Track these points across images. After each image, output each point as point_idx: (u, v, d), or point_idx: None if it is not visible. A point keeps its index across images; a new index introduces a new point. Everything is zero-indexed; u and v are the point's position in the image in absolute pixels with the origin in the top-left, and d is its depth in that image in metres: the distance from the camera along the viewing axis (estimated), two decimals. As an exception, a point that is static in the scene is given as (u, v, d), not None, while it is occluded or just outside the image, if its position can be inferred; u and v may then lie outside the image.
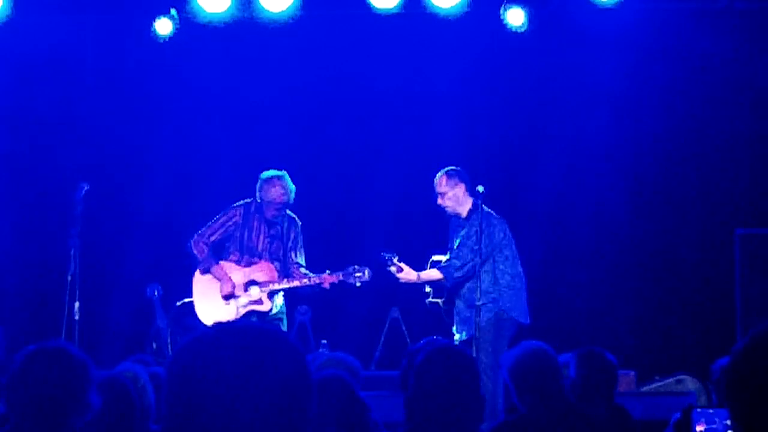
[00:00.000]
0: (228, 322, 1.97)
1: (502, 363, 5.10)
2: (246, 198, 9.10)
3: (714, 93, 10.73)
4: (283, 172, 8.97)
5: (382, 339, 10.23)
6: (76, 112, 10.93)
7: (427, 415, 3.81)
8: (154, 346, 9.55)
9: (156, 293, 9.78)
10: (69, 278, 8.67)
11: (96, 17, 10.79)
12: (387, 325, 10.25)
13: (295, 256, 9.00)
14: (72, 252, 8.73)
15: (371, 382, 7.51)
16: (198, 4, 10.25)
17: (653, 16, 10.70)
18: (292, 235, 9.01)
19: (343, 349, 7.61)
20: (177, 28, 10.35)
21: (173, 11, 10.38)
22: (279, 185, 8.89)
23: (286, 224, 9.00)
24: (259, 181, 8.97)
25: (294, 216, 9.07)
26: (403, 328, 10.18)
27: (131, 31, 10.73)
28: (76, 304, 8.63)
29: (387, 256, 8.79)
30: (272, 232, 8.96)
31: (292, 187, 8.92)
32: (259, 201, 8.97)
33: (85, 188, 8.87)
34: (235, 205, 9.05)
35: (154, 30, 10.31)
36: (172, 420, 1.89)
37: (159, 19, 10.32)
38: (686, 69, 10.75)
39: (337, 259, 9.12)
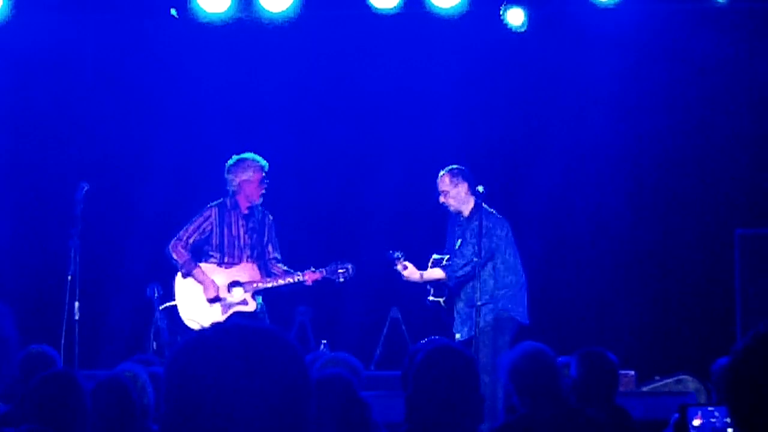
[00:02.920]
0: (226, 322, 1.96)
1: (500, 364, 5.11)
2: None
3: (714, 93, 10.72)
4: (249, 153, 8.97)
5: (382, 339, 10.23)
6: (76, 112, 10.93)
7: (427, 414, 3.81)
8: (154, 346, 9.55)
9: (156, 293, 9.76)
10: (69, 278, 8.66)
11: (96, 17, 10.79)
12: (387, 325, 10.25)
13: (273, 250, 8.97)
14: (72, 252, 8.72)
15: (371, 382, 7.50)
16: (198, 4, 10.25)
17: (653, 16, 10.70)
18: (266, 229, 8.98)
19: (343, 349, 7.61)
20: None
21: (173, 11, 10.38)
22: (250, 160, 8.88)
23: (260, 217, 8.98)
24: (229, 168, 8.90)
25: (266, 211, 9.04)
26: (403, 328, 10.17)
27: (131, 31, 10.73)
28: (76, 304, 8.63)
29: (395, 254, 8.80)
30: (251, 224, 8.93)
31: (265, 162, 8.90)
32: (232, 192, 8.91)
33: (85, 188, 8.87)
34: (209, 205, 9.00)
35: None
36: (171, 420, 1.88)
37: None
38: (686, 69, 10.75)
39: (337, 258, 9.11)
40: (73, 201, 8.87)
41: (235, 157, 8.93)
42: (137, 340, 9.94)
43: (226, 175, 8.91)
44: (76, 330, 8.59)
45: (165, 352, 9.36)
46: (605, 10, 10.31)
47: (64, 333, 8.55)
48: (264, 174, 8.85)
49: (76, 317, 8.62)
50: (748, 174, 10.65)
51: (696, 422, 5.13)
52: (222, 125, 10.89)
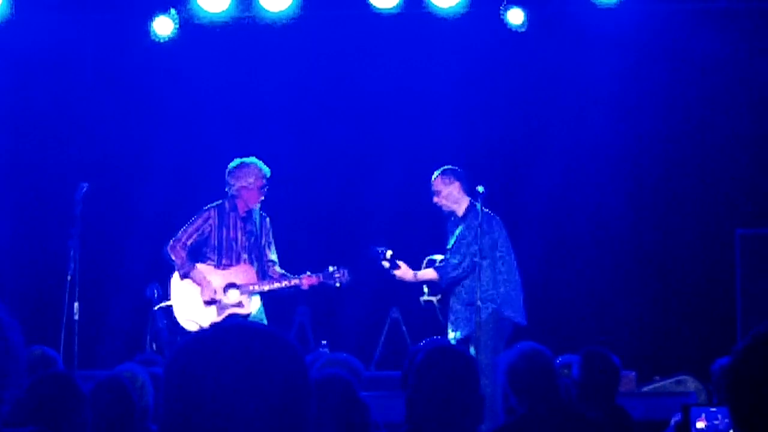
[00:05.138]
0: (226, 322, 1.96)
1: (498, 364, 5.10)
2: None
3: (714, 93, 10.72)
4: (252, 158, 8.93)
5: (382, 339, 10.23)
6: (76, 112, 10.93)
7: (427, 415, 3.81)
8: (154, 346, 9.54)
9: (156, 293, 9.76)
10: (69, 278, 8.66)
11: (96, 17, 10.79)
12: (387, 325, 10.25)
13: (270, 253, 8.95)
14: (72, 252, 8.72)
15: (371, 383, 7.50)
16: (198, 4, 10.25)
17: (653, 17, 10.70)
18: (264, 232, 8.95)
19: (343, 349, 7.60)
20: (177, 28, 10.35)
21: (173, 11, 10.38)
22: (253, 166, 8.84)
23: (258, 220, 8.95)
24: (231, 172, 8.87)
25: (263, 213, 9.01)
26: (403, 328, 10.17)
27: (131, 31, 10.72)
28: (76, 304, 8.62)
29: (380, 250, 8.80)
30: (249, 227, 8.90)
31: (267, 169, 8.85)
32: (231, 195, 8.87)
33: (85, 188, 8.87)
34: (207, 206, 8.96)
35: (153, 30, 10.31)
36: (170, 420, 1.88)
37: (158, 17, 10.32)
38: (686, 69, 10.75)
39: (336, 258, 9.10)
40: (73, 201, 8.86)
41: (237, 161, 8.88)
42: (137, 340, 9.94)
43: (226, 178, 8.87)
44: (76, 330, 8.58)
45: (165, 352, 9.36)
46: (605, 10, 10.31)
47: (63, 333, 8.55)
48: (265, 181, 8.81)
49: (76, 317, 8.61)
50: (748, 174, 10.65)
51: (699, 424, 5.12)
52: (221, 125, 10.90)
